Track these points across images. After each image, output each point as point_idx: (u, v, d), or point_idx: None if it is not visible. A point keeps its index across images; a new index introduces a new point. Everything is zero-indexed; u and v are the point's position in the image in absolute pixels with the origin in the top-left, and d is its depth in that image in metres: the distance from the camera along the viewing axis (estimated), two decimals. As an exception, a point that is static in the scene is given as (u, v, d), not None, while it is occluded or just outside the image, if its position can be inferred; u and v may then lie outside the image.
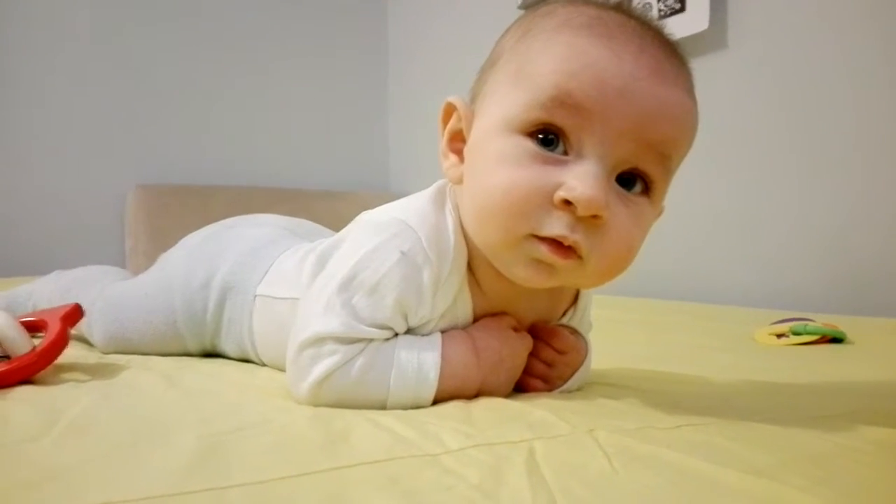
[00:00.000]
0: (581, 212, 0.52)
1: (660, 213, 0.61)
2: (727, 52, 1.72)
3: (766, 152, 1.66)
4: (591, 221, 0.53)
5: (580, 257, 0.54)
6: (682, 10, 1.74)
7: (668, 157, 0.55)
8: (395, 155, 3.04)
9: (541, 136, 0.54)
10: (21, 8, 2.38)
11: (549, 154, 0.54)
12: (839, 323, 1.13)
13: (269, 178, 2.75)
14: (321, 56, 2.90)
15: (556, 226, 0.53)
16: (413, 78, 2.91)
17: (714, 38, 1.70)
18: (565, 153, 0.54)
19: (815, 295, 1.52)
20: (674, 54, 0.56)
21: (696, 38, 1.68)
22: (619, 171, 0.55)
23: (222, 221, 0.94)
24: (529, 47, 0.56)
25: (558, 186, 0.52)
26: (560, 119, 0.53)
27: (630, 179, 0.55)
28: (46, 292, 1.04)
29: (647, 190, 0.56)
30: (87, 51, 2.49)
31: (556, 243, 0.53)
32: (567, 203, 0.52)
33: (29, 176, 2.41)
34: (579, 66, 0.52)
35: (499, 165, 0.55)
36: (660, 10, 1.79)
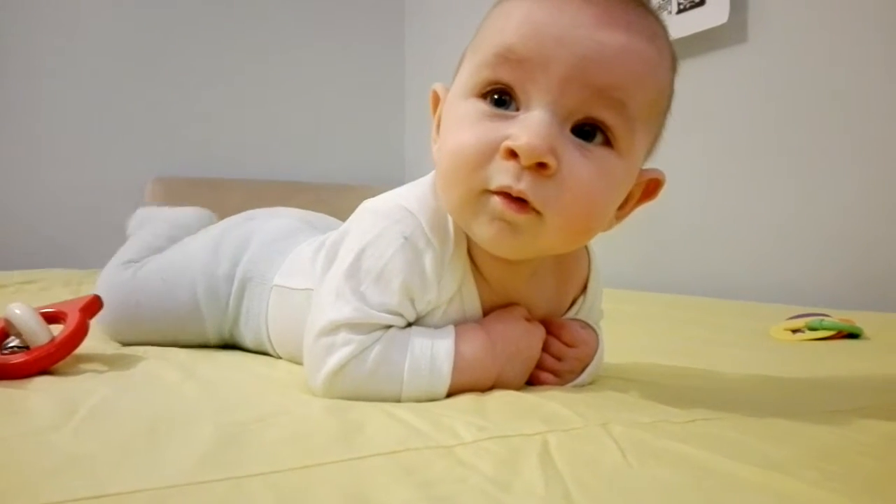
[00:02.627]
0: (524, 160, 0.52)
1: (662, 183, 0.61)
2: (746, 46, 1.70)
3: (785, 146, 1.65)
4: (540, 171, 0.53)
5: (537, 212, 0.54)
6: (701, 3, 1.73)
7: (623, 103, 0.54)
8: (410, 149, 3.04)
9: (495, 96, 0.55)
10: (41, 1, 2.40)
11: (500, 111, 0.55)
12: (856, 318, 1.12)
13: (286, 172, 2.76)
14: (338, 50, 2.91)
15: (502, 177, 0.53)
16: (430, 72, 2.91)
17: (734, 31, 1.69)
18: (517, 110, 0.55)
19: (831, 290, 1.51)
20: (636, 7, 0.55)
21: (715, 32, 1.66)
22: (573, 120, 0.54)
23: (242, 213, 0.95)
24: (486, 22, 0.58)
25: (505, 139, 0.53)
26: (506, 75, 0.54)
27: (590, 132, 0.55)
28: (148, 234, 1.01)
29: (608, 141, 0.56)
30: (105, 45, 2.51)
31: (506, 196, 0.54)
32: (512, 153, 0.53)
33: (47, 169, 2.44)
34: (520, 23, 0.54)
35: (455, 129, 0.57)
36: (679, 4, 1.77)
